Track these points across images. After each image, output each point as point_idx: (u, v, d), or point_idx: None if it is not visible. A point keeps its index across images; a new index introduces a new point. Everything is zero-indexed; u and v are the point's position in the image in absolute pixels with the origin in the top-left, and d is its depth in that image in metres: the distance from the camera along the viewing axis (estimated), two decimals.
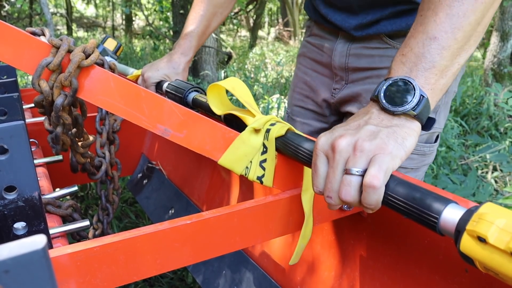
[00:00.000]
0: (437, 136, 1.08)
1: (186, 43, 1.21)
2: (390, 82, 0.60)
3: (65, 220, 0.81)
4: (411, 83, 0.59)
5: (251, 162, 0.70)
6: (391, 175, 0.53)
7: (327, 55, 1.15)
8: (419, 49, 0.61)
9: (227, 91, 0.80)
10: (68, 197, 1.83)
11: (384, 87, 0.60)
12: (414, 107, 0.57)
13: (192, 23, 1.22)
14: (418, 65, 0.60)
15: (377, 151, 0.53)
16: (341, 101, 1.13)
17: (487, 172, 2.96)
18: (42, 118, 1.31)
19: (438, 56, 0.60)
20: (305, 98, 1.24)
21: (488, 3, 0.61)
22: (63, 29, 12.62)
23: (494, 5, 0.63)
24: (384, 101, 0.59)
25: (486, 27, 0.65)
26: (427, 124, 0.61)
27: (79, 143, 0.93)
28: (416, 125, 0.59)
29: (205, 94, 0.98)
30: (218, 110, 0.80)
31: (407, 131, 0.57)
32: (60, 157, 1.03)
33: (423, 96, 0.58)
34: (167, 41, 7.18)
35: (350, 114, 1.09)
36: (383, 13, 0.99)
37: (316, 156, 0.58)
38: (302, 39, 1.34)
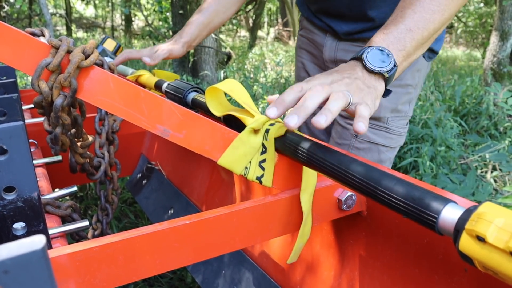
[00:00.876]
0: (407, 122, 1.29)
1: (185, 28, 1.31)
2: (373, 48, 0.75)
3: (65, 220, 0.82)
4: (389, 54, 0.75)
5: (250, 162, 0.70)
6: (390, 174, 0.53)
7: (318, 49, 1.29)
8: (398, 34, 0.78)
9: (225, 93, 0.81)
10: (67, 197, 1.83)
11: (368, 50, 0.75)
12: (388, 70, 0.74)
13: (195, 14, 1.34)
14: (394, 44, 0.77)
15: (361, 101, 0.67)
16: None
17: (486, 172, 2.96)
18: (41, 119, 1.31)
19: (409, 44, 0.77)
20: None
21: (447, 19, 0.81)
22: (63, 30, 12.61)
23: (447, 23, 0.83)
24: (366, 60, 0.74)
25: (436, 37, 0.84)
26: (386, 92, 0.78)
27: (78, 144, 0.93)
28: (382, 88, 0.75)
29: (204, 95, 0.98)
30: (217, 112, 0.81)
31: (378, 94, 0.73)
32: (59, 157, 1.03)
33: (395, 65, 0.74)
34: (167, 41, 7.18)
35: None
36: (369, 25, 1.15)
37: (313, 86, 0.67)
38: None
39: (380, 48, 0.75)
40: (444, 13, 0.80)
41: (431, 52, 1.20)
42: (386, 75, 0.73)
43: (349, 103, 0.65)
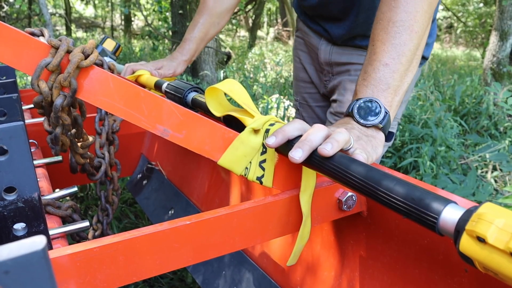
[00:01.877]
0: (397, 123, 1.30)
1: (184, 45, 1.36)
2: (361, 102, 0.75)
3: (65, 221, 0.81)
4: (377, 102, 0.74)
5: (250, 162, 0.70)
6: (390, 175, 0.53)
7: (314, 51, 1.33)
8: (375, 74, 0.76)
9: (225, 93, 0.80)
10: (67, 197, 1.83)
11: (356, 106, 0.75)
12: (381, 121, 0.73)
13: (191, 30, 1.37)
14: (377, 87, 0.75)
15: (361, 148, 0.68)
16: (329, 91, 1.32)
17: (486, 172, 2.96)
18: (41, 119, 1.30)
19: (391, 79, 0.75)
20: (309, 83, 1.42)
21: (420, 33, 0.77)
22: (62, 30, 12.60)
23: (426, 34, 0.80)
24: (357, 116, 0.74)
25: (423, 50, 0.81)
26: (388, 136, 0.76)
27: (79, 144, 0.93)
28: (382, 136, 0.74)
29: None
30: (217, 113, 0.81)
31: (378, 142, 0.73)
32: (59, 157, 1.03)
33: (386, 113, 0.74)
34: (166, 41, 7.17)
35: (333, 101, 1.29)
36: (362, 30, 1.16)
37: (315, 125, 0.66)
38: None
39: (367, 100, 0.74)
40: (413, 29, 0.76)
41: (422, 59, 1.20)
42: (380, 126, 0.73)
43: (350, 143, 0.65)
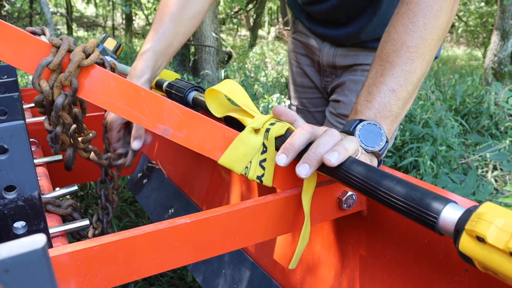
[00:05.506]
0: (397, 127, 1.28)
1: (140, 64, 1.01)
2: (365, 124, 0.71)
3: (65, 219, 0.82)
4: (380, 129, 0.71)
5: (250, 161, 0.70)
6: (390, 174, 0.53)
7: (315, 53, 1.28)
8: (381, 99, 0.73)
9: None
10: (68, 196, 1.83)
11: (359, 128, 0.71)
12: (380, 149, 0.71)
13: (149, 42, 1.03)
14: (381, 112, 0.72)
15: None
16: (331, 90, 1.29)
17: (487, 171, 2.96)
18: (42, 118, 1.31)
19: (395, 106, 0.73)
20: (309, 88, 1.37)
21: (430, 62, 0.75)
22: (63, 29, 12.61)
23: (432, 60, 0.77)
24: (358, 139, 0.70)
25: (423, 79, 0.78)
26: (378, 164, 0.74)
27: (79, 139, 0.93)
28: (376, 162, 0.72)
29: None
30: (218, 114, 0.81)
31: (374, 165, 0.66)
32: (60, 156, 1.03)
33: (387, 142, 0.71)
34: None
35: (333, 101, 1.26)
36: (367, 35, 1.12)
37: (328, 129, 0.64)
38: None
39: (371, 123, 0.71)
40: (425, 57, 0.74)
41: None
42: (378, 153, 0.71)
43: (357, 154, 0.63)
